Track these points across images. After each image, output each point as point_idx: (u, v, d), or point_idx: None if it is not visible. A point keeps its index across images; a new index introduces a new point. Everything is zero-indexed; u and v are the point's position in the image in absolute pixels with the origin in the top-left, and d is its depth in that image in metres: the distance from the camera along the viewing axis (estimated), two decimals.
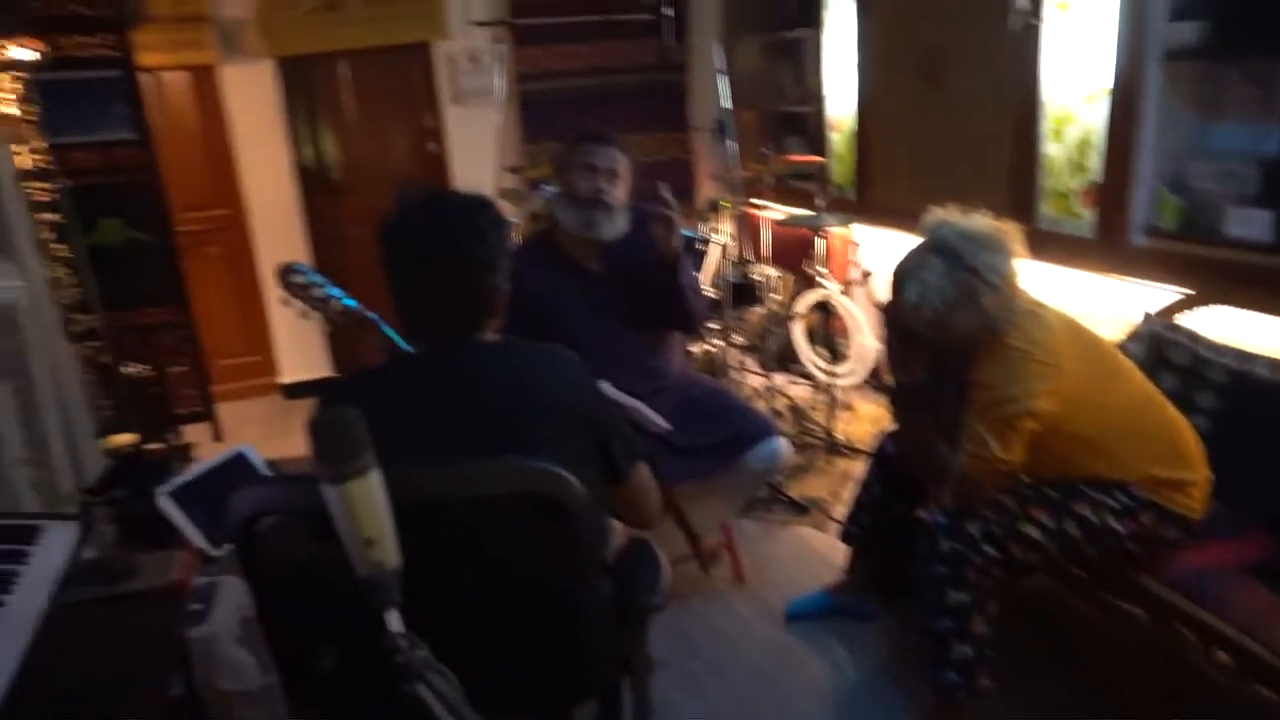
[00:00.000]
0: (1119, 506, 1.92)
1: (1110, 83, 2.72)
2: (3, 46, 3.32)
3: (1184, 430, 1.99)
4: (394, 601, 0.88)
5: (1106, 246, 2.82)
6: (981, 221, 1.90)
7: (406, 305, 1.34)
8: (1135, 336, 2.41)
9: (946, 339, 1.90)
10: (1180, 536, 1.95)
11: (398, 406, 1.27)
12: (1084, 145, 2.89)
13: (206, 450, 4.02)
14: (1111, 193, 2.79)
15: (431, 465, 1.15)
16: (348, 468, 0.87)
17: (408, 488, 0.96)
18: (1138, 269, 2.73)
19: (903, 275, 1.93)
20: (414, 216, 1.33)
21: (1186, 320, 2.40)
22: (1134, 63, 2.62)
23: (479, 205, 1.35)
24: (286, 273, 1.57)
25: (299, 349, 4.76)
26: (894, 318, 2.03)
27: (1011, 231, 1.90)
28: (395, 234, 1.33)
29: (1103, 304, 2.87)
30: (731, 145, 3.14)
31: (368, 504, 0.88)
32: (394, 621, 0.87)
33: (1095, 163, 2.85)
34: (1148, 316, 2.43)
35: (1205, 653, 1.97)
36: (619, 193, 2.39)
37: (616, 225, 2.40)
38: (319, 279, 1.57)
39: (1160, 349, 2.33)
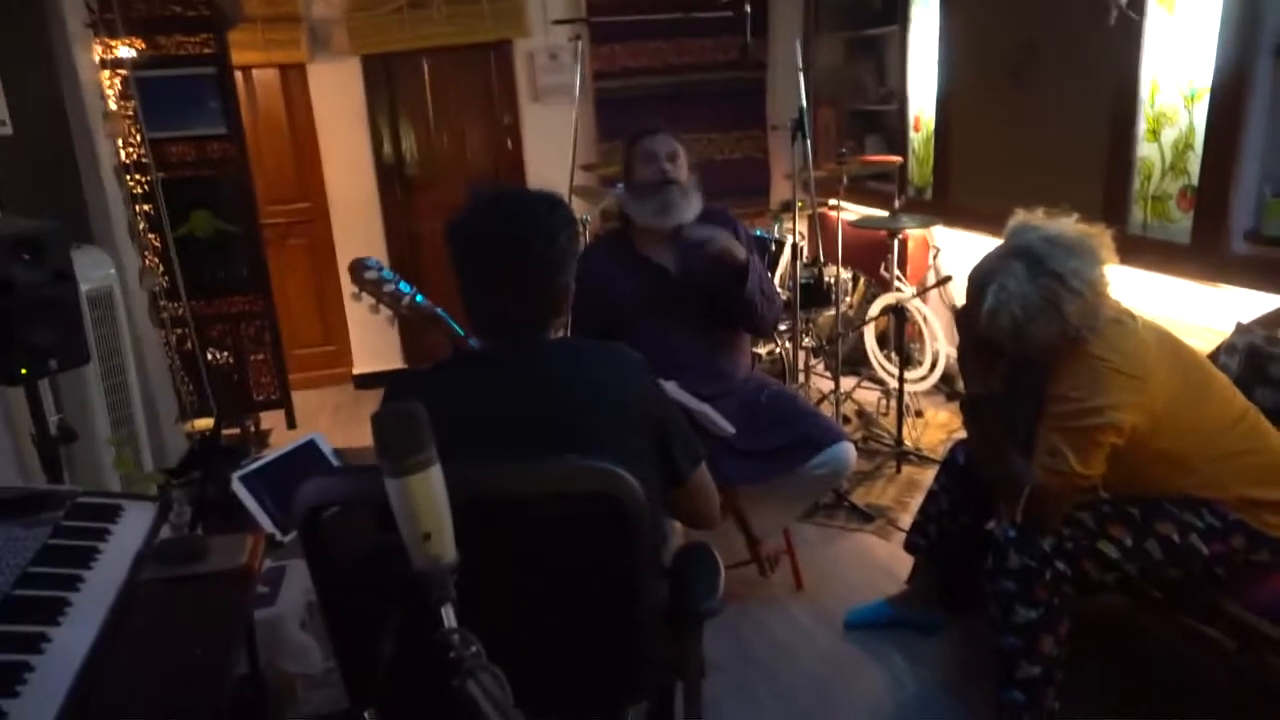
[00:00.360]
0: (1205, 527, 1.82)
1: (1211, 81, 2.58)
2: (109, 46, 3.50)
3: None
4: (449, 596, 0.88)
5: (1203, 252, 2.68)
6: (1068, 225, 1.82)
7: (474, 302, 1.35)
8: (1228, 348, 2.28)
9: (1025, 348, 1.83)
10: (1272, 560, 1.84)
11: (461, 402, 1.28)
12: (1183, 147, 2.75)
13: (280, 436, 4.17)
14: (1210, 197, 2.65)
15: (492, 461, 1.16)
16: (409, 461, 0.88)
17: (468, 483, 0.96)
18: (1237, 276, 2.60)
19: (981, 280, 1.86)
20: (483, 214, 1.33)
21: None
22: (1240, 58, 2.48)
23: (550, 204, 1.35)
24: (358, 268, 1.61)
25: (373, 341, 4.87)
26: (969, 324, 1.96)
27: (1102, 236, 1.81)
28: (464, 231, 1.33)
29: (1196, 312, 2.73)
30: (808, 144, 3.09)
31: (427, 498, 0.88)
32: (449, 616, 0.87)
33: (1194, 165, 2.70)
34: (1239, 326, 2.30)
35: None
36: (684, 172, 2.39)
37: (692, 205, 2.40)
38: (389, 274, 1.60)
39: (1260, 363, 2.19)
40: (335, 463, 1.99)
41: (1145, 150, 2.89)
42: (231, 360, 4.01)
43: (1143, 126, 2.88)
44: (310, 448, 2.02)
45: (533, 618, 1.20)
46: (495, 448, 1.25)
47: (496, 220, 1.32)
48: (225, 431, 3.47)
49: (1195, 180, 2.71)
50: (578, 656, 1.25)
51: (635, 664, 1.26)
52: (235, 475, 1.86)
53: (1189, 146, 2.72)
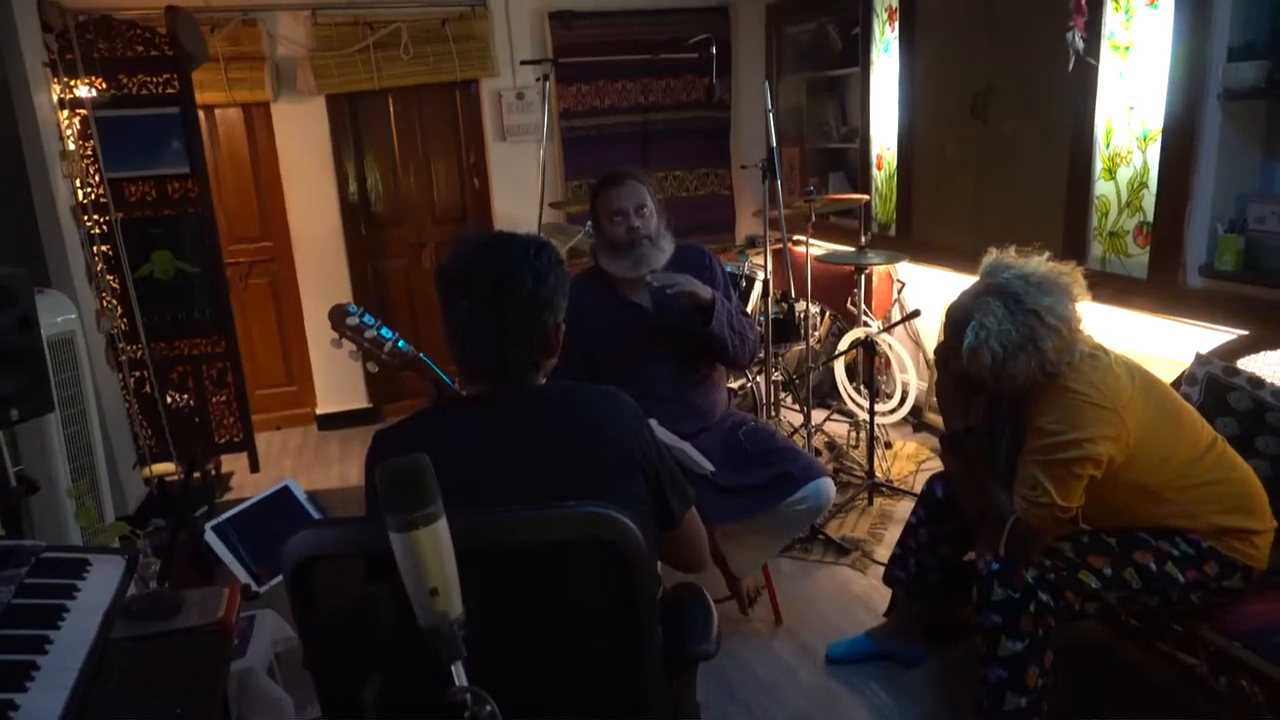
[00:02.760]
0: (1180, 555, 1.86)
1: (1162, 124, 2.69)
2: (68, 86, 3.43)
3: (1249, 478, 1.93)
4: (460, 654, 0.85)
5: (1160, 287, 2.76)
6: (1041, 263, 1.87)
7: (464, 346, 1.32)
8: (1190, 379, 2.34)
9: (1004, 384, 1.86)
10: (1244, 587, 1.88)
11: (455, 447, 1.25)
12: (1138, 185, 2.84)
13: (243, 479, 4.07)
14: (1165, 233, 2.74)
15: (492, 510, 1.14)
16: (416, 515, 0.85)
17: (467, 532, 0.94)
18: (1192, 310, 2.68)
19: (959, 318, 1.89)
20: (473, 256, 1.31)
21: (1245, 364, 2.33)
22: (1189, 103, 2.58)
23: (539, 246, 1.34)
24: (339, 315, 1.58)
25: (337, 380, 4.80)
26: (948, 361, 1.99)
27: (1073, 274, 1.87)
28: (454, 275, 1.31)
29: (1154, 345, 2.81)
30: (776, 182, 3.14)
31: (434, 552, 0.86)
32: (459, 675, 0.84)
33: (1149, 203, 2.80)
34: (1199, 357, 2.36)
35: (1271, 710, 1.87)
36: (653, 222, 2.40)
37: (663, 251, 2.41)
38: (370, 320, 1.58)
39: (1219, 393, 2.25)
40: (311, 509, 1.94)
41: (1102, 188, 2.98)
42: (192, 403, 3.91)
43: (1099, 166, 2.98)
44: (284, 494, 1.96)
45: (535, 669, 1.18)
46: (490, 494, 1.23)
47: (485, 261, 1.31)
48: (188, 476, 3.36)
49: (1151, 217, 2.80)
50: (582, 707, 1.22)
51: (637, 710, 1.23)
52: (208, 525, 1.79)
53: (1144, 185, 2.82)
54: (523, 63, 4.45)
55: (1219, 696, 2.01)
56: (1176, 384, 2.31)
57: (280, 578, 1.19)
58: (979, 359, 1.83)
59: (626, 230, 2.36)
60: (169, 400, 3.78)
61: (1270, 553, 1.90)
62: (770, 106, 3.14)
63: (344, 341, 1.59)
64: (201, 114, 4.17)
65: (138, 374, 3.76)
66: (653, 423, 2.10)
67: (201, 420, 3.93)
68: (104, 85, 3.54)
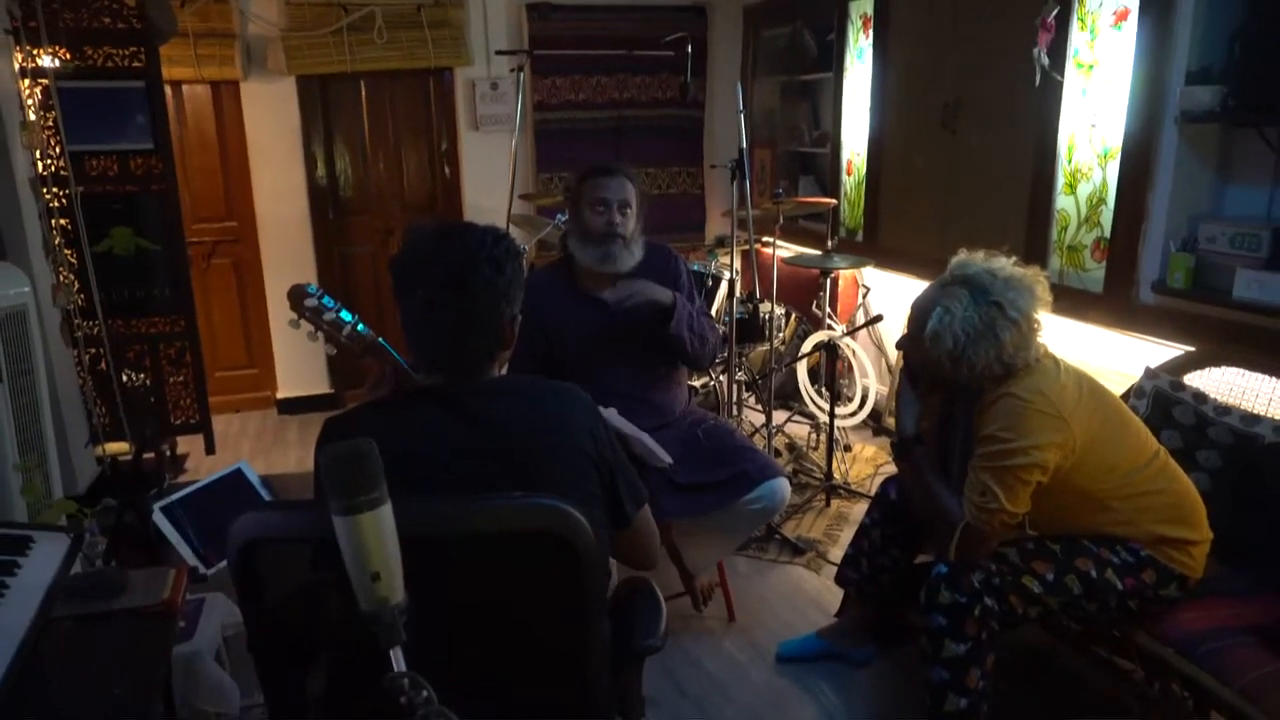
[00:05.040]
0: (1120, 562, 1.90)
1: (1121, 142, 2.74)
2: (31, 55, 3.35)
3: (1188, 490, 1.98)
4: (399, 639, 0.85)
5: (1114, 301, 2.82)
6: (1009, 264, 1.93)
7: (419, 336, 1.32)
8: (1138, 392, 2.40)
9: (961, 375, 1.90)
10: (1179, 595, 1.93)
11: (408, 439, 1.25)
12: (1096, 201, 2.90)
13: (199, 461, 4.01)
14: (1120, 249, 2.80)
15: (441, 500, 1.13)
16: (360, 499, 0.85)
17: (414, 522, 0.94)
18: (1144, 325, 2.74)
19: (924, 306, 1.94)
20: (429, 245, 1.30)
21: (1191, 379, 2.39)
22: (1147, 124, 2.64)
23: (497, 236, 1.33)
24: (298, 295, 1.56)
25: (298, 364, 4.75)
26: (909, 350, 2.03)
27: (1038, 276, 1.92)
28: (409, 264, 1.30)
29: (1108, 358, 2.87)
30: (745, 183, 3.16)
31: (377, 538, 0.86)
32: (398, 660, 0.85)
33: (1107, 219, 2.86)
34: (1148, 371, 2.43)
35: (1200, 714, 1.93)
36: (632, 223, 2.40)
37: (633, 255, 2.41)
38: (330, 302, 1.55)
39: (1165, 406, 2.31)
40: (264, 492, 1.92)
41: (1063, 202, 3.04)
42: (148, 382, 3.84)
43: (1061, 181, 3.03)
44: (236, 477, 1.94)
45: (478, 660, 1.18)
46: (442, 486, 1.22)
47: (443, 251, 1.30)
48: (142, 456, 3.30)
49: (1108, 233, 2.86)
50: (525, 698, 1.23)
51: (582, 703, 1.24)
52: (156, 505, 1.77)
53: (1102, 201, 2.88)
54: (498, 53, 4.43)
55: (1151, 701, 2.08)
56: (1126, 396, 2.37)
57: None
58: (940, 343, 1.87)
59: (606, 223, 2.36)
60: (125, 379, 3.71)
61: (1205, 563, 1.96)
62: (743, 107, 3.16)
63: (302, 322, 1.57)
64: (168, 90, 4.09)
65: (94, 351, 3.68)
66: (611, 411, 2.12)
67: (157, 400, 3.86)
68: (68, 56, 3.45)
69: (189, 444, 4.06)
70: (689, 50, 3.61)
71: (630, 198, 2.39)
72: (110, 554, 1.85)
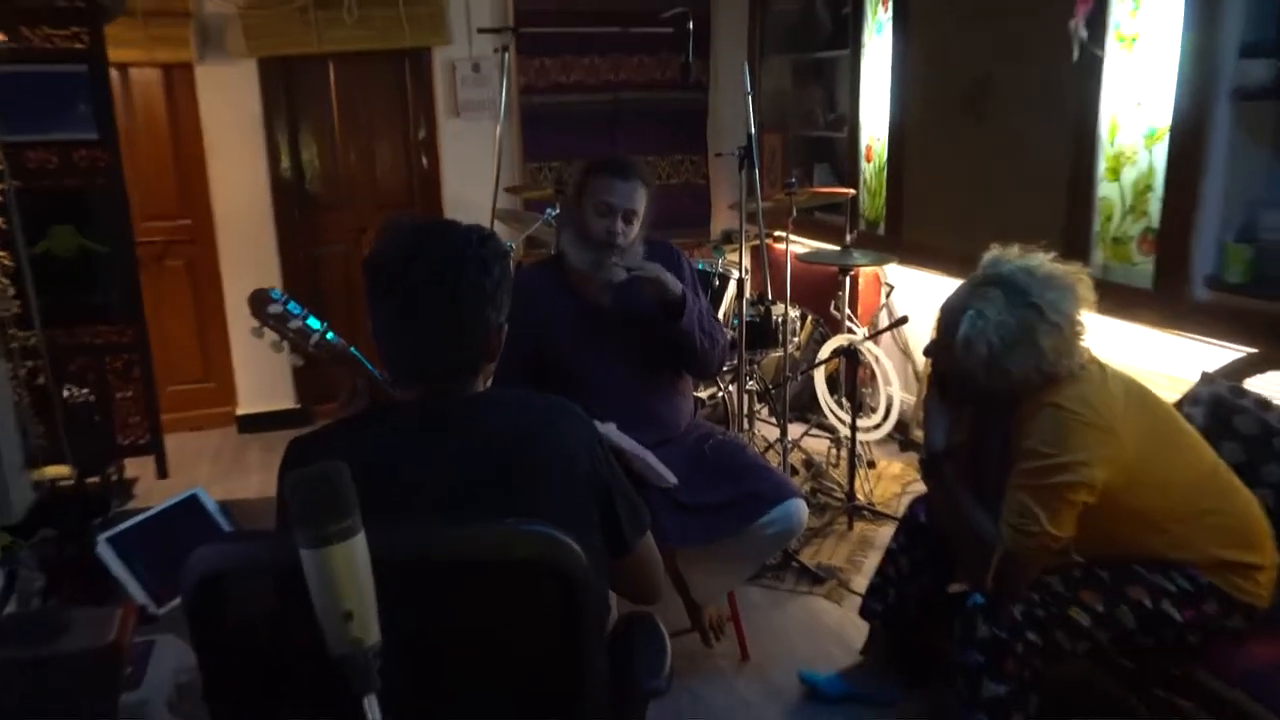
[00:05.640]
0: (1178, 591, 1.89)
1: (1170, 122, 2.74)
2: None
3: (1253, 509, 1.96)
4: (374, 686, 0.84)
5: (1164, 299, 2.82)
6: (1046, 261, 1.91)
7: (396, 345, 1.30)
8: (1193, 399, 2.39)
9: (997, 386, 1.89)
10: (1246, 627, 1.92)
11: (384, 461, 1.23)
12: (1143, 188, 2.89)
13: (149, 486, 3.99)
14: (1171, 241, 2.79)
15: (420, 527, 1.12)
16: (330, 529, 0.84)
17: (393, 552, 0.93)
18: (1198, 325, 2.73)
19: (954, 309, 1.92)
20: (408, 243, 1.29)
21: (1253, 384, 2.38)
22: (1198, 102, 2.64)
23: (483, 235, 1.32)
24: (260, 300, 1.55)
25: (261, 377, 4.74)
26: (938, 358, 2.01)
27: (1079, 274, 1.91)
28: (385, 263, 1.29)
29: (1159, 361, 2.86)
30: (755, 172, 3.15)
31: (350, 572, 0.85)
32: (373, 710, 0.83)
33: (1155, 207, 2.85)
34: (1205, 376, 2.41)
35: None
36: (634, 233, 2.38)
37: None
38: (296, 308, 1.55)
39: (1224, 415, 2.30)
40: (223, 521, 1.91)
41: (1106, 190, 3.03)
42: (93, 398, 3.83)
43: (1103, 166, 3.03)
44: (192, 504, 1.93)
45: (462, 704, 1.17)
46: (422, 512, 1.22)
47: (423, 249, 1.28)
48: (85, 480, 3.29)
49: (1156, 223, 2.85)
50: None
51: None
52: (101, 536, 1.75)
53: (1149, 188, 2.87)
54: (480, 31, 4.44)
55: None
56: (1180, 404, 2.36)
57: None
58: (973, 350, 1.86)
59: (606, 230, 2.34)
60: (66, 394, 3.70)
61: (1273, 591, 1.94)
62: (751, 89, 3.16)
63: (265, 331, 1.56)
64: (115, 74, 4.09)
65: (31, 364, 3.67)
66: (610, 426, 2.12)
67: (103, 418, 3.85)
68: (2, 37, 3.46)
69: (138, 467, 4.04)
70: (690, 26, 3.60)
71: (639, 207, 2.37)
72: (49, 591, 1.83)
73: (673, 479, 2.27)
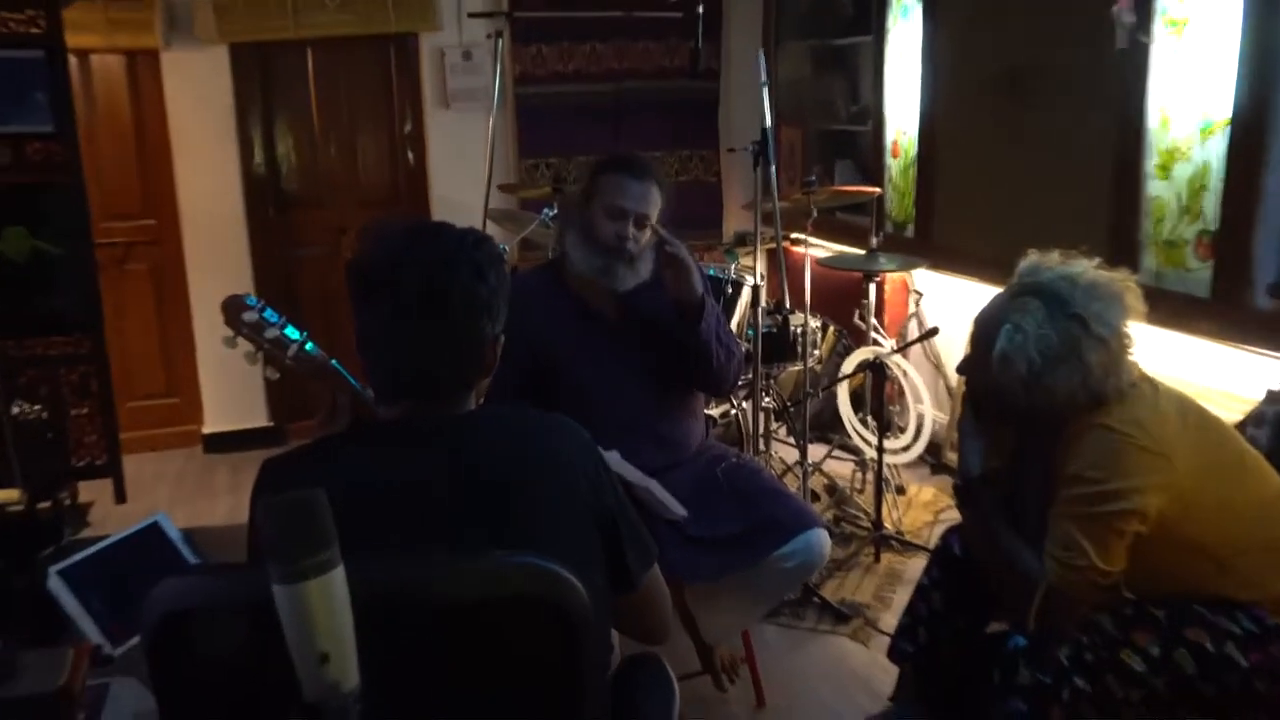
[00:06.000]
0: (1242, 633, 1.87)
1: (1230, 113, 2.74)
2: None
3: None
4: None
5: (1224, 308, 2.82)
6: (1090, 267, 1.90)
7: (381, 357, 1.30)
8: (1257, 419, 2.38)
9: (1038, 405, 1.88)
10: None
11: (366, 485, 1.23)
12: (1198, 186, 2.89)
13: (106, 511, 3.99)
14: (1229, 244, 2.79)
15: (406, 559, 1.12)
16: (307, 563, 0.84)
17: (374, 587, 0.93)
18: (1262, 337, 2.72)
19: (989, 321, 1.91)
20: (396, 246, 1.29)
21: None
22: (1261, 90, 2.64)
23: (479, 238, 1.33)
24: (234, 307, 1.54)
25: (230, 392, 4.75)
26: (973, 375, 2.00)
27: (1127, 282, 1.90)
28: (371, 267, 1.29)
29: (1218, 377, 2.84)
30: (770, 169, 3.16)
31: (327, 610, 0.84)
32: None
33: (1211, 207, 2.85)
34: (1271, 394, 2.40)
35: None
36: (645, 239, 2.38)
37: (638, 274, 2.40)
38: (273, 316, 1.54)
39: None
40: (186, 552, 1.90)
41: (1156, 189, 3.03)
42: (45, 415, 3.84)
43: (1153, 162, 3.03)
44: (153, 532, 1.92)
45: None
46: (405, 541, 1.21)
47: (413, 252, 1.29)
48: (35, 506, 3.29)
49: (1213, 224, 2.85)
50: None
51: None
52: (53, 569, 1.75)
53: (1204, 186, 2.87)
54: (471, 15, 4.47)
55: None
56: (1242, 425, 2.35)
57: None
58: (1012, 367, 1.85)
59: (616, 235, 2.35)
60: (16, 411, 3.71)
61: None
62: (766, 79, 3.17)
63: (239, 341, 1.56)
64: (73, 61, 4.13)
65: None
66: (613, 455, 2.11)
67: (57, 437, 3.85)
68: None
69: (94, 491, 4.05)
70: (700, 10, 3.61)
71: (652, 211, 2.38)
72: None
73: (682, 511, 2.26)
